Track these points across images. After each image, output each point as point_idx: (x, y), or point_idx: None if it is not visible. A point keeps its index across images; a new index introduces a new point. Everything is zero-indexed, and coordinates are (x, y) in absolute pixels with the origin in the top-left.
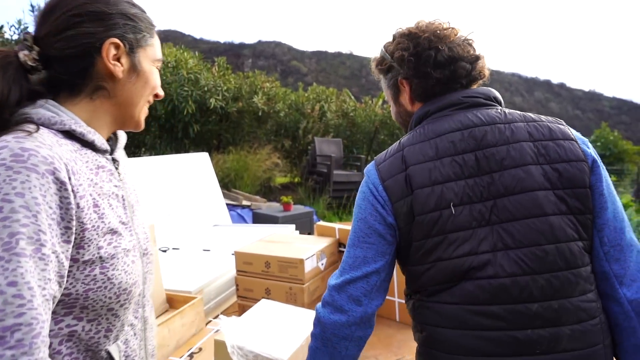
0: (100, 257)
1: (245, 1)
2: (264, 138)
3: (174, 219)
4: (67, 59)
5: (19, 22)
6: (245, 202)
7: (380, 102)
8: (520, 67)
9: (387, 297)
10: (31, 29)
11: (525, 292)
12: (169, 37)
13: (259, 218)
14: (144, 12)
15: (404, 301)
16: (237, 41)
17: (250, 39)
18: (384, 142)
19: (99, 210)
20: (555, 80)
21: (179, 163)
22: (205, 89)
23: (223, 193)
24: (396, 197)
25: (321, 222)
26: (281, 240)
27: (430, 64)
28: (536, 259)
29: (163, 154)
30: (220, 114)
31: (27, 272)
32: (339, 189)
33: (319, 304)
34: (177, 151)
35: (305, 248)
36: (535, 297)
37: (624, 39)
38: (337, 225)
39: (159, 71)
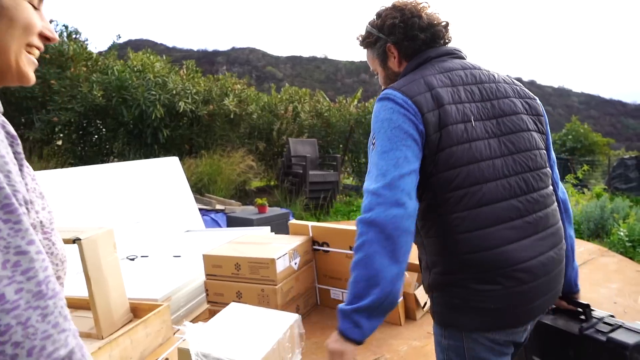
0: (41, 222)
1: (218, 8)
2: (237, 141)
3: (144, 226)
4: None
5: None
6: (219, 207)
7: (355, 101)
8: (490, 65)
9: None
10: None
11: (529, 185)
12: (141, 46)
13: (234, 222)
14: None
15: None
16: (210, 48)
17: (224, 46)
18: (360, 141)
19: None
20: (525, 77)
21: (148, 168)
22: (174, 92)
23: (196, 198)
24: (426, 109)
25: (294, 221)
26: (252, 241)
27: (416, 28)
28: (530, 160)
29: (132, 160)
30: (190, 117)
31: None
32: (315, 189)
33: (362, 215)
34: (147, 157)
35: (276, 247)
36: (534, 188)
37: (591, 35)
38: (310, 223)
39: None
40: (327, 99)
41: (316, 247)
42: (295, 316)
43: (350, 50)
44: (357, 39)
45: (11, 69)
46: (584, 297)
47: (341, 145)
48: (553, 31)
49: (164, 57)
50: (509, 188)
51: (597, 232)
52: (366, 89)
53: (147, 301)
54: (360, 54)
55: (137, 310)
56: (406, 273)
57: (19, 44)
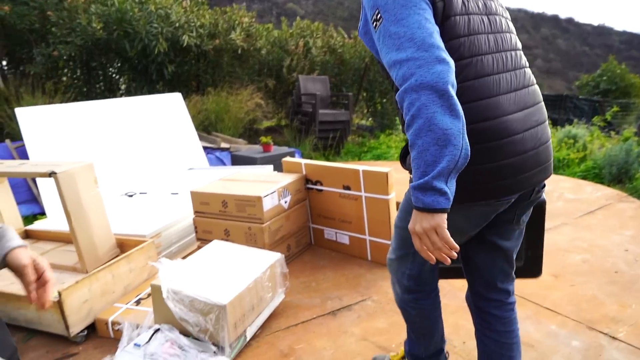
0: None
1: None
2: (245, 78)
3: (146, 163)
4: None
5: None
6: (224, 145)
7: None
8: (526, 2)
9: (359, 236)
10: None
11: (516, 61)
12: None
13: (238, 160)
14: None
15: (375, 239)
16: None
17: None
18: (375, 79)
19: None
20: (563, 15)
21: (150, 104)
22: (177, 25)
23: (201, 136)
24: None
25: (288, 158)
26: (242, 179)
27: None
28: (512, 41)
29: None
30: (196, 53)
31: None
32: (325, 129)
33: (405, 85)
34: (152, 94)
35: (265, 185)
36: (520, 65)
37: None
38: (304, 161)
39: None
40: (344, 33)
41: (309, 185)
42: (277, 255)
43: None
44: None
45: None
46: (594, 243)
47: (355, 84)
48: None
49: None
50: (503, 61)
51: (619, 176)
52: None
53: (136, 237)
54: None
55: (124, 246)
56: None
57: None
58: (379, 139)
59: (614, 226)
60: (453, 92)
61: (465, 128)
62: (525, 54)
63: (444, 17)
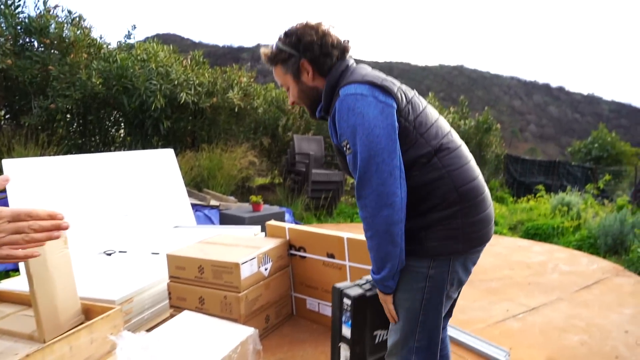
0: None
1: (244, 4)
2: (241, 136)
3: (132, 219)
4: None
5: None
6: (213, 202)
7: None
8: (519, 71)
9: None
10: None
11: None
12: (168, 41)
13: (226, 219)
14: None
15: None
16: (236, 44)
17: (249, 43)
18: None
19: None
20: (554, 83)
21: (142, 160)
22: (176, 82)
23: (193, 193)
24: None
25: (272, 222)
26: (222, 242)
27: (329, 45)
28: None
29: (127, 151)
30: (193, 110)
31: None
32: (318, 188)
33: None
34: (146, 149)
35: (245, 251)
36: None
37: (623, 42)
38: (287, 225)
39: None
40: None
41: (293, 251)
42: (250, 330)
43: (374, 50)
44: (265, 55)
45: None
46: (592, 322)
47: None
48: (583, 36)
49: (171, 47)
50: (457, 139)
51: (615, 248)
52: None
53: (104, 302)
54: (384, 56)
55: (90, 313)
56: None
57: None
58: None
59: (611, 303)
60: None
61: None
62: (519, 120)
63: (415, 116)
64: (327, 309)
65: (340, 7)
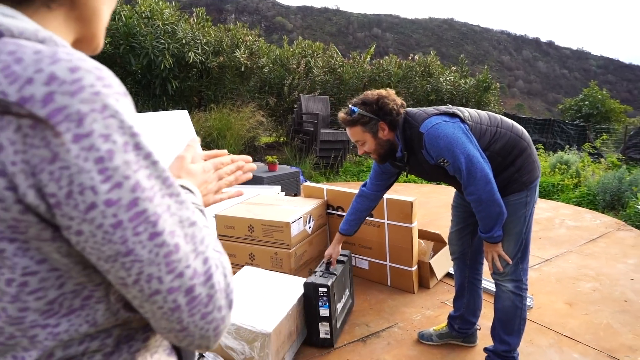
0: None
1: None
2: (247, 95)
3: None
4: None
5: None
6: None
7: (368, 57)
8: (509, 25)
9: (380, 262)
10: None
11: None
12: None
13: None
14: None
15: (396, 266)
16: None
17: None
18: None
19: None
20: (544, 38)
21: (155, 121)
22: (183, 41)
23: None
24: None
25: (308, 183)
26: (265, 202)
27: (398, 107)
28: None
29: (140, 112)
30: (200, 69)
31: None
32: (325, 148)
33: (471, 197)
34: (155, 109)
35: (291, 210)
36: None
37: None
38: (325, 186)
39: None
40: (340, 54)
41: (330, 211)
42: (303, 280)
43: (362, 2)
44: (345, 119)
45: (96, 38)
46: (601, 272)
47: None
48: None
49: (173, 3)
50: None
51: (612, 204)
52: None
53: None
54: (373, 7)
55: None
56: (422, 241)
57: (109, 13)
58: None
59: (617, 255)
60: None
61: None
62: (507, 75)
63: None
64: (363, 263)
65: None
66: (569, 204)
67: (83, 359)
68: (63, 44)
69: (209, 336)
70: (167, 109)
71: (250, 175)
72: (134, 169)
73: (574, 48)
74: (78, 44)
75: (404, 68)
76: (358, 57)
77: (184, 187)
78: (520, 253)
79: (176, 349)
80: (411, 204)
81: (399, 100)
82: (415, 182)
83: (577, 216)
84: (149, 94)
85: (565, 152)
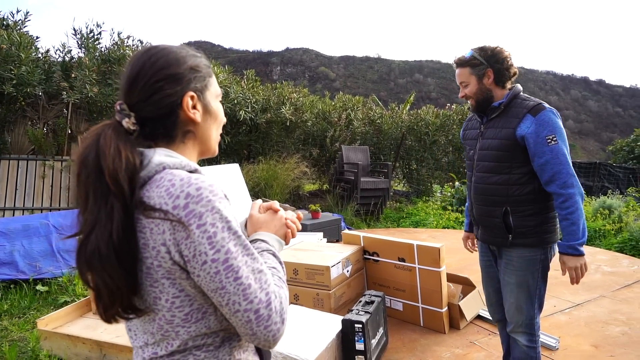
0: None
1: (272, 9)
2: (292, 147)
3: None
4: (159, 118)
5: (63, 46)
6: None
7: (408, 107)
8: (555, 65)
9: (412, 303)
10: (74, 52)
11: None
12: (200, 48)
13: None
14: (201, 56)
15: (428, 307)
16: (265, 49)
17: (278, 47)
18: (412, 147)
19: None
20: (592, 77)
21: (210, 174)
22: (235, 101)
23: None
24: None
25: (347, 231)
26: (308, 248)
27: (510, 64)
28: None
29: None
30: (249, 125)
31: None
32: (366, 195)
33: (571, 190)
34: (210, 163)
35: (331, 255)
36: None
37: None
38: (362, 234)
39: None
40: (380, 104)
41: (367, 256)
42: (340, 318)
43: (403, 49)
44: (459, 58)
45: (211, 149)
46: (632, 317)
47: (392, 152)
48: (624, 25)
49: (226, 68)
50: None
51: None
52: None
53: None
54: (414, 54)
55: None
56: (451, 285)
57: (218, 132)
58: (415, 204)
59: None
60: None
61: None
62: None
63: None
64: (398, 304)
65: (368, 9)
66: (610, 249)
67: (203, 348)
68: (197, 168)
69: (269, 339)
70: (219, 162)
71: (300, 227)
72: (227, 241)
73: (627, 86)
74: (201, 154)
75: (442, 117)
76: (397, 108)
77: (261, 240)
78: (535, 307)
79: (259, 352)
80: (439, 250)
81: (513, 63)
82: (453, 228)
83: (614, 262)
84: None
85: (608, 196)
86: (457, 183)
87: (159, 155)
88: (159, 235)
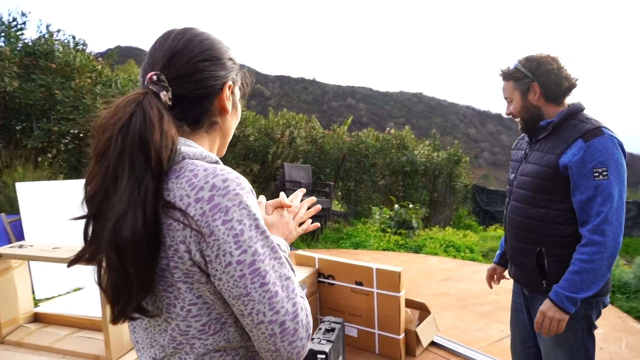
0: None
1: (211, 24)
2: (232, 162)
3: None
4: (195, 99)
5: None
6: None
7: (346, 128)
8: (474, 101)
9: (368, 329)
10: None
11: None
12: (130, 54)
13: None
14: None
15: (384, 334)
16: None
17: None
18: (351, 169)
19: None
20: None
21: None
22: None
23: None
24: None
25: (300, 251)
26: None
27: (563, 76)
28: None
29: None
30: None
31: None
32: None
33: (601, 237)
34: None
35: None
36: None
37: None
38: (317, 255)
39: None
40: (320, 125)
41: (321, 279)
42: None
43: (337, 74)
44: (503, 70)
45: (224, 148)
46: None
47: (333, 172)
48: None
49: None
50: None
51: None
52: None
53: (93, 317)
54: (348, 79)
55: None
56: (408, 310)
57: (234, 129)
58: (354, 226)
59: None
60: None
61: None
62: (474, 147)
63: None
64: (352, 330)
65: (305, 32)
66: None
67: None
68: (218, 160)
69: (292, 357)
70: None
71: (319, 207)
72: (254, 241)
73: None
74: (217, 151)
75: (381, 141)
76: (338, 129)
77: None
78: None
79: None
80: (399, 274)
81: (569, 74)
82: (393, 250)
83: None
84: None
85: None
86: (396, 206)
87: (178, 144)
88: (177, 232)
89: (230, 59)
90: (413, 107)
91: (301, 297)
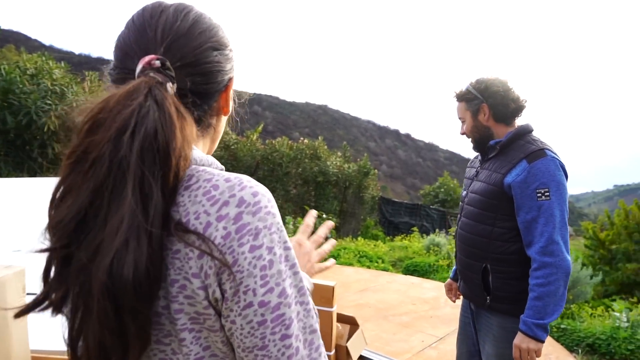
0: None
1: (106, 13)
2: None
3: (24, 256)
4: (201, 95)
5: None
6: None
7: (257, 134)
8: (374, 116)
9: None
10: None
11: None
12: (10, 39)
13: None
14: None
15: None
16: (95, 54)
17: (107, 53)
18: (265, 177)
19: None
20: (402, 130)
21: (32, 188)
22: (74, 104)
23: None
24: None
25: None
26: None
27: (510, 98)
28: None
29: (9, 176)
30: None
31: None
32: None
33: (548, 259)
34: (31, 174)
35: None
36: None
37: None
38: None
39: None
40: (234, 132)
41: None
42: None
43: (243, 80)
44: (456, 92)
45: (212, 151)
46: None
47: None
48: (429, 91)
49: (62, 64)
50: None
51: None
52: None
53: (54, 355)
54: (255, 87)
55: None
56: (339, 325)
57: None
58: None
59: None
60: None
61: None
62: (373, 160)
63: None
64: None
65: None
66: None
67: None
68: (222, 167)
69: None
70: (45, 174)
71: (334, 243)
72: (283, 277)
73: (427, 141)
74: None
75: (295, 150)
76: (252, 137)
77: None
78: None
79: None
80: (332, 288)
81: (517, 95)
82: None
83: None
84: (24, 156)
85: (436, 234)
86: None
87: None
88: (190, 262)
89: (231, 49)
90: (318, 119)
91: (324, 358)
